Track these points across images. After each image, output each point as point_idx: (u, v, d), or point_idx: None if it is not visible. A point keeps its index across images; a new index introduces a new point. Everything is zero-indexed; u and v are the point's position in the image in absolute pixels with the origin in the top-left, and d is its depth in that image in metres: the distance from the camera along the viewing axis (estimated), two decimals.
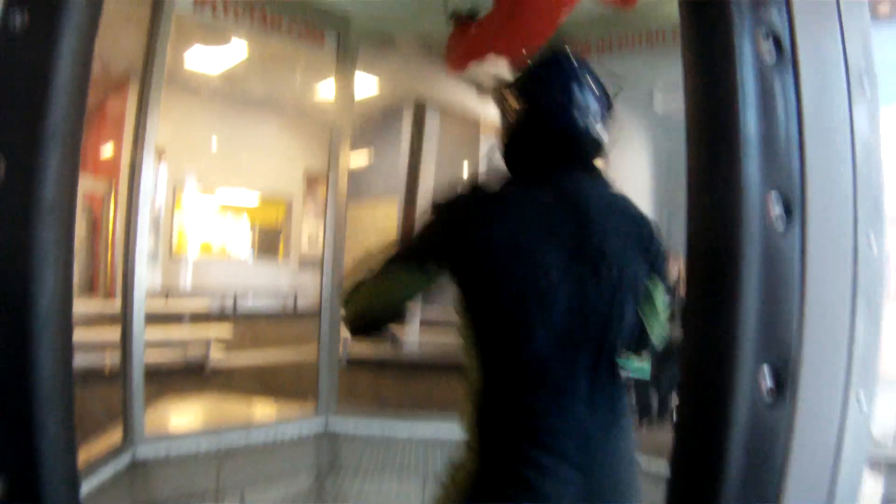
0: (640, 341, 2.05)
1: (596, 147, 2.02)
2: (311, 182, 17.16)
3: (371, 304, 2.00)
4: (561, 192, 1.93)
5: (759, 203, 0.95)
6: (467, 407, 1.94)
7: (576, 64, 2.05)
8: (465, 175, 14.59)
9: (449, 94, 12.14)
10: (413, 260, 1.95)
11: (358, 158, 16.04)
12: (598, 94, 2.02)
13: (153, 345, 8.62)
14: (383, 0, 6.11)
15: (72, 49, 1.01)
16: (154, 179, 5.31)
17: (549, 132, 1.96)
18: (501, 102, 2.11)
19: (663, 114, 7.94)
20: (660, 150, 8.24)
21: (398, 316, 2.04)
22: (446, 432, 5.79)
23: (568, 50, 2.05)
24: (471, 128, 14.15)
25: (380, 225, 15.76)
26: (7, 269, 0.95)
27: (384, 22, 6.26)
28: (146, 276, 5.04)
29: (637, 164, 8.12)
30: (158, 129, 5.19)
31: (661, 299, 2.03)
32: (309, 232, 17.49)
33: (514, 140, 2.06)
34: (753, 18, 0.99)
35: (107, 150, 14.75)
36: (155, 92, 5.08)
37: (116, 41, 7.97)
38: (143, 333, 4.98)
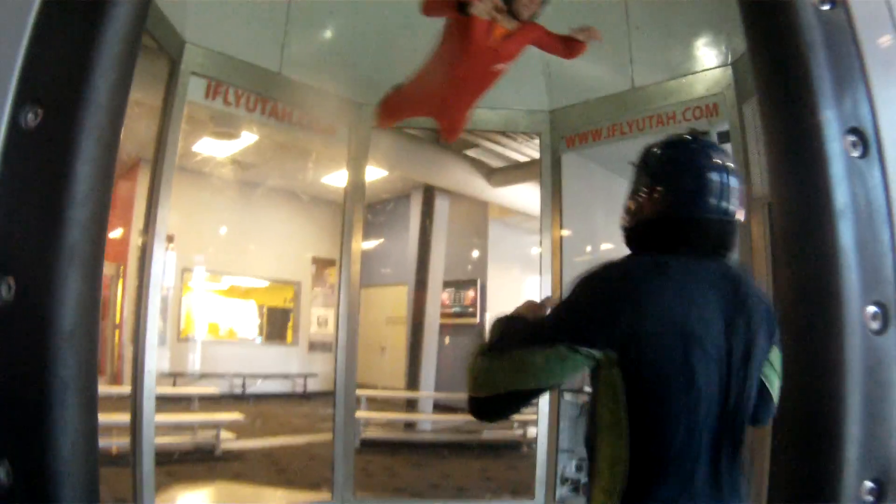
0: (763, 414, 2.02)
1: (734, 232, 1.99)
2: (319, 266, 17.23)
3: (515, 383, 1.81)
4: (706, 276, 1.89)
5: (858, 314, 0.98)
6: (600, 497, 1.84)
7: (718, 150, 2.04)
8: (475, 258, 14.68)
9: (457, 178, 12.29)
10: (576, 338, 1.78)
11: (367, 243, 16.14)
12: (737, 178, 1.98)
13: (162, 428, 8.59)
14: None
15: (95, 150, 0.97)
16: (163, 264, 5.38)
17: (698, 221, 1.94)
18: (641, 181, 2.11)
19: None
20: None
21: (535, 398, 1.90)
22: None
23: (707, 135, 2.04)
24: (479, 211, 14.25)
25: (389, 311, 15.78)
26: (18, 415, 0.89)
27: None
28: (156, 359, 5.07)
29: None
30: (170, 216, 5.28)
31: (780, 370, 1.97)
32: (318, 315, 17.48)
33: (654, 222, 2.01)
34: (839, 114, 1.04)
35: (115, 233, 14.86)
36: (166, 178, 5.18)
37: (128, 125, 8.13)
38: (154, 417, 4.98)
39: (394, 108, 5.37)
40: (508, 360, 1.82)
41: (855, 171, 1.02)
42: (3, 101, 0.95)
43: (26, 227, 0.93)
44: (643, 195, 2.06)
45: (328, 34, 6.31)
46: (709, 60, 5.57)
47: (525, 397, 1.85)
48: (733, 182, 1.94)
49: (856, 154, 1.03)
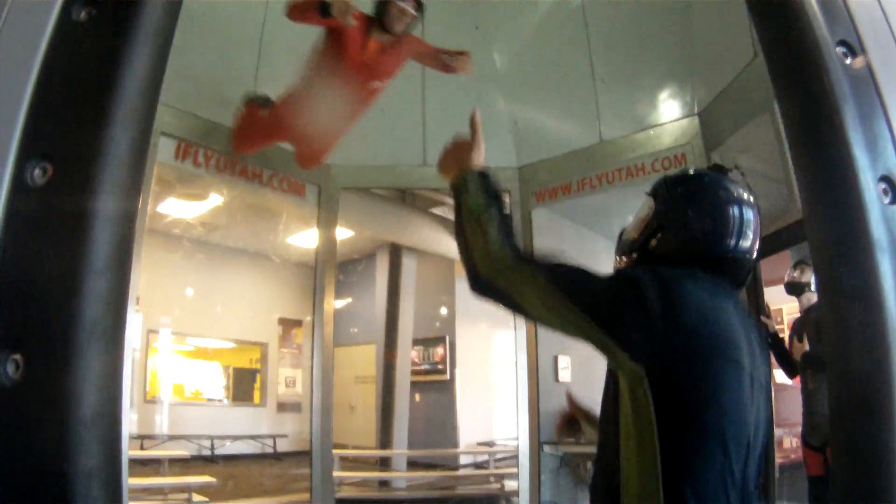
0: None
1: (752, 269, 1.95)
2: (286, 327, 17.13)
3: (523, 298, 1.78)
4: (727, 294, 1.84)
5: None
6: None
7: (742, 187, 1.98)
8: (444, 315, 14.71)
9: (424, 236, 12.36)
10: (609, 328, 1.68)
11: (336, 302, 16.10)
12: (757, 213, 1.93)
13: (133, 492, 8.44)
14: (362, 150, 6.31)
15: (114, 210, 0.89)
16: (130, 326, 5.35)
17: (721, 259, 1.87)
18: (662, 209, 2.03)
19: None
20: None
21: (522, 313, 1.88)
22: None
23: (733, 170, 2.04)
24: (446, 268, 14.29)
25: (359, 370, 15.72)
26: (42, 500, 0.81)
27: (363, 172, 6.46)
28: (128, 424, 5.03)
29: None
30: (136, 278, 5.28)
31: None
32: (286, 376, 17.34)
33: (671, 257, 1.91)
34: (871, 163, 1.09)
35: None
36: (137, 241, 5.19)
37: None
38: (127, 482, 4.94)
39: (254, 132, 5.26)
40: (531, 277, 1.76)
41: (888, 216, 1.06)
42: (8, 156, 0.89)
43: (37, 300, 0.85)
44: (660, 228, 2.01)
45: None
46: (675, 111, 5.68)
47: (517, 307, 1.84)
48: (756, 220, 1.92)
49: (887, 200, 1.08)
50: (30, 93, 0.92)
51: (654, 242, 2.01)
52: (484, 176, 1.95)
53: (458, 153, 2.04)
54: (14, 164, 0.89)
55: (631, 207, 7.03)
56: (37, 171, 0.89)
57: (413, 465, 12.96)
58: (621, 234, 2.31)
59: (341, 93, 4.28)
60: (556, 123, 6.30)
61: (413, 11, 4.26)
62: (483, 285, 1.85)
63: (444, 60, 4.48)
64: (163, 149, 5.39)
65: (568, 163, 6.29)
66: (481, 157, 2.02)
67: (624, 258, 2.19)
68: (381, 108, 6.18)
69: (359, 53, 4.17)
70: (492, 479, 11.12)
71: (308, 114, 4.48)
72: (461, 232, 1.90)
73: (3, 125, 0.90)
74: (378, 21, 4.23)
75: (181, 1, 1.10)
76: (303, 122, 4.58)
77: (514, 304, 1.83)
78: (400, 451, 12.84)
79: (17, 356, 0.82)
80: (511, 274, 1.78)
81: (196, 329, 16.59)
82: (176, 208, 12.21)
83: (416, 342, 14.52)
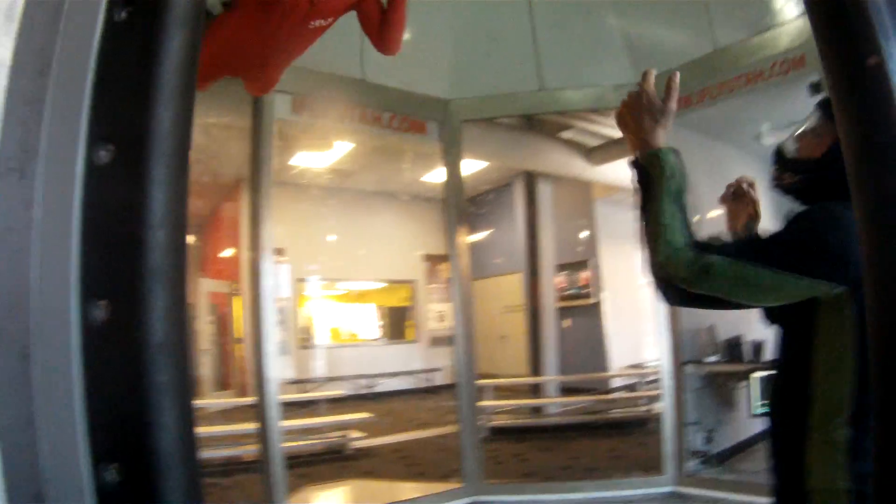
0: None
1: None
2: (432, 263, 17.36)
3: (733, 293, 1.75)
4: None
5: None
6: (822, 450, 1.73)
7: None
8: (585, 239, 14.56)
9: (556, 161, 12.23)
10: (810, 270, 1.71)
11: (477, 235, 16.21)
12: None
13: (292, 433, 8.84)
14: (478, 82, 6.27)
15: (166, 179, 1.04)
16: (275, 277, 5.53)
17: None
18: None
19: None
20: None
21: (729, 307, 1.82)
22: (595, 495, 5.79)
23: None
24: (583, 192, 14.13)
25: (506, 300, 15.80)
26: (124, 415, 0.98)
27: (482, 103, 6.40)
28: (278, 368, 5.23)
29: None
30: (276, 230, 5.45)
31: None
32: (436, 311, 17.62)
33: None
34: None
35: (226, 253, 15.41)
36: (265, 194, 5.34)
37: (224, 149, 8.35)
38: (279, 423, 5.15)
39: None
40: (734, 270, 1.73)
41: None
42: (78, 142, 1.03)
43: (111, 254, 1.01)
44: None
45: (405, 36, 6.39)
46: (790, 10, 5.40)
47: (725, 305, 1.79)
48: None
49: None
50: (90, 87, 1.06)
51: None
52: (678, 158, 1.86)
53: (645, 116, 1.95)
54: (85, 148, 1.03)
55: (750, 116, 6.68)
56: (102, 153, 1.03)
57: (565, 390, 13.01)
58: (781, 149, 2.16)
59: (278, 32, 3.42)
60: (669, 35, 6.06)
61: None
62: (682, 298, 1.82)
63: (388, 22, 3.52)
64: (279, 105, 5.51)
65: (685, 74, 5.95)
66: (669, 126, 1.94)
67: (794, 175, 2.07)
68: (491, 35, 6.10)
69: None
70: (641, 401, 11.11)
71: (245, 53, 3.68)
72: (650, 221, 1.82)
73: (74, 116, 1.04)
74: None
75: None
76: (239, 61, 3.79)
77: (719, 303, 1.78)
78: (549, 377, 12.90)
79: (104, 302, 0.98)
80: (710, 279, 1.72)
81: (345, 273, 17.06)
82: (306, 160, 12.49)
83: (559, 268, 14.47)
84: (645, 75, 2.00)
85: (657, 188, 1.81)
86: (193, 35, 1.14)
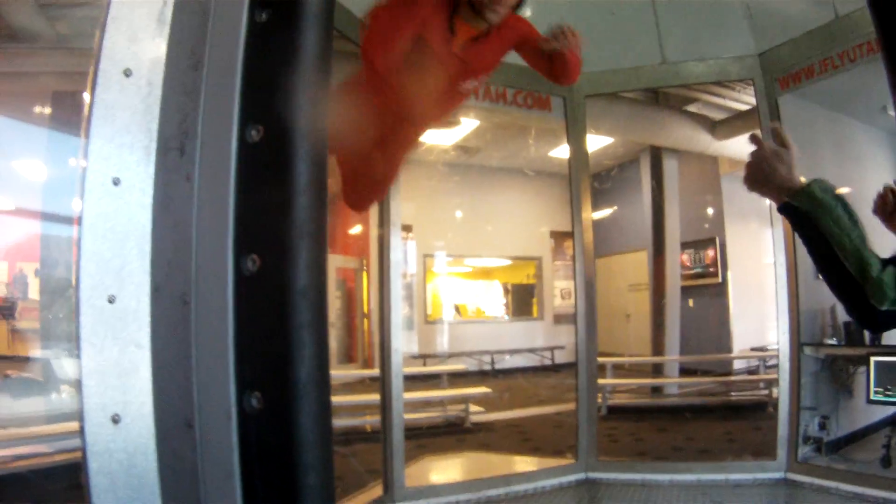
0: None
1: None
2: (557, 240, 17.30)
3: None
4: None
5: None
6: None
7: None
8: (711, 216, 14.30)
9: (681, 135, 12.07)
10: None
11: (603, 212, 16.13)
12: None
13: (413, 405, 9.08)
14: (600, 56, 6.27)
15: (306, 153, 1.20)
16: (403, 253, 5.69)
17: None
18: None
19: None
20: None
21: None
22: (706, 477, 5.77)
23: None
24: (709, 167, 13.87)
25: (631, 278, 15.69)
26: (267, 351, 1.15)
27: (605, 78, 6.41)
28: (402, 341, 5.41)
29: (879, 181, 7.69)
30: (404, 207, 5.61)
31: None
32: (561, 288, 17.58)
33: None
34: None
35: (355, 230, 15.83)
36: None
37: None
38: (402, 394, 5.33)
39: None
40: None
41: None
42: (232, 123, 1.21)
43: (261, 215, 1.18)
44: None
45: (525, 13, 6.44)
46: None
47: None
48: None
49: None
50: (239, 78, 1.23)
51: None
52: (827, 183, 1.85)
53: (775, 167, 1.94)
54: (238, 128, 1.21)
55: (874, 87, 6.42)
56: (253, 132, 1.21)
57: (687, 371, 12.87)
58: None
59: (422, 96, 3.01)
60: (789, 3, 5.91)
61: None
62: (884, 322, 1.79)
63: (549, 47, 3.06)
64: None
65: (807, 43, 5.88)
66: (796, 165, 1.92)
67: None
68: (611, 9, 6.10)
69: (445, 45, 2.91)
70: (761, 384, 10.92)
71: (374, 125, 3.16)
72: (829, 260, 1.80)
73: (227, 103, 1.22)
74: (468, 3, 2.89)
75: None
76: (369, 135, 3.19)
77: None
78: (669, 357, 12.77)
79: (254, 255, 1.15)
80: None
81: (471, 250, 17.17)
82: (433, 137, 12.64)
83: (685, 245, 14.22)
84: (753, 138, 2.01)
85: (825, 223, 1.78)
86: (326, 32, 1.30)
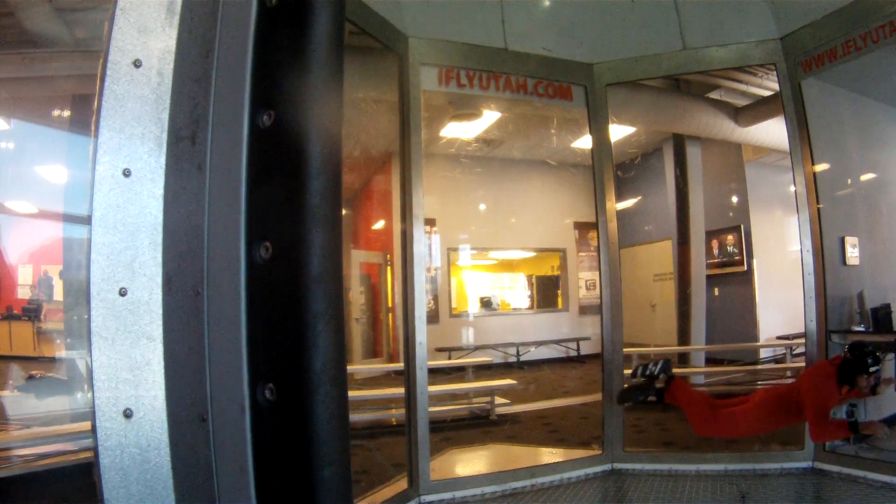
0: None
1: None
2: (581, 231, 17.24)
3: None
4: None
5: None
6: None
7: None
8: (736, 203, 14.19)
9: (704, 123, 11.98)
10: None
11: (627, 202, 16.05)
12: None
13: (439, 398, 9.09)
14: (621, 44, 6.23)
15: (319, 137, 1.19)
16: (427, 246, 5.67)
17: None
18: None
19: None
20: None
21: None
22: (733, 467, 5.73)
23: None
24: (733, 154, 13.77)
25: (657, 267, 15.59)
26: (281, 340, 1.13)
27: (625, 66, 6.36)
28: (426, 334, 5.39)
29: None
30: (427, 201, 5.60)
31: None
32: (586, 279, 17.52)
33: None
34: None
35: (378, 225, 15.88)
36: (416, 165, 5.49)
37: (374, 122, 8.58)
38: (426, 387, 5.32)
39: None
40: None
41: None
42: (243, 109, 1.19)
43: (274, 201, 1.16)
44: None
45: (545, 2, 6.41)
46: None
47: None
48: None
49: None
50: (250, 64, 1.22)
51: None
52: None
53: None
54: (249, 113, 1.20)
55: None
56: (265, 117, 1.19)
57: (713, 360, 12.78)
58: None
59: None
60: None
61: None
62: None
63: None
64: (426, 78, 5.66)
65: (829, 25, 5.78)
66: None
67: None
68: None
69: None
70: (788, 373, 10.83)
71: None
72: None
73: (238, 89, 1.21)
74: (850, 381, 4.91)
75: None
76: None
77: None
78: (693, 346, 12.68)
79: (267, 242, 1.14)
80: None
81: (495, 242, 17.14)
82: (456, 130, 12.63)
83: (710, 234, 14.12)
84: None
85: None
86: (337, 16, 1.28)
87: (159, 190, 1.21)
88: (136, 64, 1.23)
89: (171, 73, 1.26)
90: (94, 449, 1.11)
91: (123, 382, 1.13)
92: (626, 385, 5.96)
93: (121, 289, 1.15)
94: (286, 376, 1.11)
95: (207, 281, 1.18)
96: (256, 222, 1.16)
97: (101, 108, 1.19)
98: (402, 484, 5.19)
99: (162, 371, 1.16)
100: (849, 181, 6.85)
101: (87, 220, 1.18)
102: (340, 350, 1.16)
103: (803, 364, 6.20)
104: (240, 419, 1.11)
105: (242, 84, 1.21)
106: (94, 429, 1.11)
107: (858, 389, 4.86)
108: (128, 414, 1.13)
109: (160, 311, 1.17)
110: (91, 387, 1.12)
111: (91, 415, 1.11)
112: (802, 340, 6.11)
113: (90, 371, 1.12)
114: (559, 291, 18.53)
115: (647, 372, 5.83)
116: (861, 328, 6.30)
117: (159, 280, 1.18)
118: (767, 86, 10.65)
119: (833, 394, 4.90)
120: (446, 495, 5.24)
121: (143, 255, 1.18)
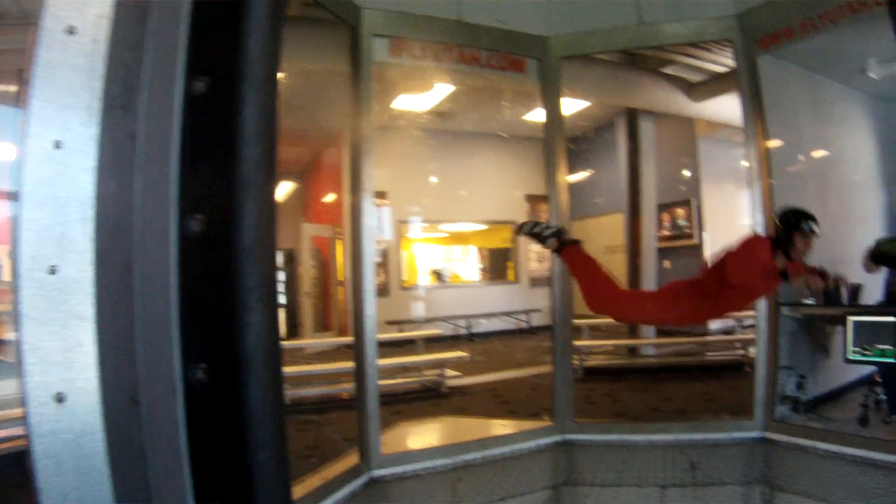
0: None
1: None
2: (533, 203, 17.30)
3: None
4: None
5: None
6: None
7: None
8: (687, 178, 14.32)
9: (658, 97, 12.03)
10: None
11: (578, 175, 16.11)
12: None
13: (389, 372, 9.09)
14: (576, 18, 6.19)
15: (254, 102, 1.16)
16: (377, 219, 5.61)
17: None
18: None
19: (881, 83, 7.48)
20: (882, 125, 7.80)
21: None
22: (684, 437, 5.78)
23: None
24: (686, 129, 13.88)
25: (608, 239, 15.70)
26: (214, 318, 1.10)
27: (580, 39, 6.32)
28: (376, 307, 5.35)
29: (857, 143, 7.73)
30: (378, 174, 5.53)
31: None
32: (537, 251, 17.62)
33: None
34: None
35: (329, 198, 15.81)
36: (366, 138, 5.42)
37: (327, 95, 8.47)
38: (376, 361, 5.28)
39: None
40: None
41: None
42: (176, 77, 1.16)
43: (207, 171, 1.13)
44: None
45: None
46: None
47: None
48: None
49: None
50: (185, 29, 1.18)
51: None
52: None
53: None
54: (183, 81, 1.16)
55: (855, 48, 6.33)
56: (199, 84, 1.16)
57: (663, 332, 12.92)
58: None
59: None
60: None
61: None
62: None
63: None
64: (378, 49, 5.57)
65: (788, 4, 5.72)
66: None
67: None
68: None
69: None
70: (737, 345, 11.07)
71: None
72: None
73: (172, 55, 1.18)
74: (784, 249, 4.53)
75: None
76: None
77: None
78: None
79: (199, 214, 1.11)
80: None
81: (446, 215, 17.16)
82: (408, 103, 12.56)
83: (661, 207, 14.28)
84: None
85: None
86: None
87: (91, 162, 1.16)
88: (71, 31, 1.18)
89: (106, 41, 1.20)
90: (28, 436, 1.07)
91: (55, 365, 1.09)
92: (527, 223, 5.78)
93: (51, 267, 1.10)
94: (218, 355, 1.08)
95: (139, 257, 1.14)
96: (189, 193, 1.13)
97: (33, 77, 1.14)
98: (353, 459, 5.15)
99: (94, 352, 1.12)
100: (801, 157, 6.91)
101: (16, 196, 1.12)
102: (273, 326, 1.14)
103: (752, 336, 6.26)
104: (172, 401, 1.08)
105: (177, 49, 1.17)
106: (26, 415, 1.06)
107: (796, 253, 4.53)
108: (60, 398, 1.08)
109: (92, 290, 1.13)
110: (21, 371, 1.07)
111: (22, 400, 1.06)
112: (752, 313, 6.16)
113: (19, 354, 1.07)
114: (510, 264, 18.62)
115: (535, 230, 5.63)
116: (811, 301, 6.37)
117: (90, 257, 1.13)
118: (722, 62, 10.71)
119: (766, 258, 4.48)
120: (397, 469, 5.21)
121: (74, 231, 1.13)
